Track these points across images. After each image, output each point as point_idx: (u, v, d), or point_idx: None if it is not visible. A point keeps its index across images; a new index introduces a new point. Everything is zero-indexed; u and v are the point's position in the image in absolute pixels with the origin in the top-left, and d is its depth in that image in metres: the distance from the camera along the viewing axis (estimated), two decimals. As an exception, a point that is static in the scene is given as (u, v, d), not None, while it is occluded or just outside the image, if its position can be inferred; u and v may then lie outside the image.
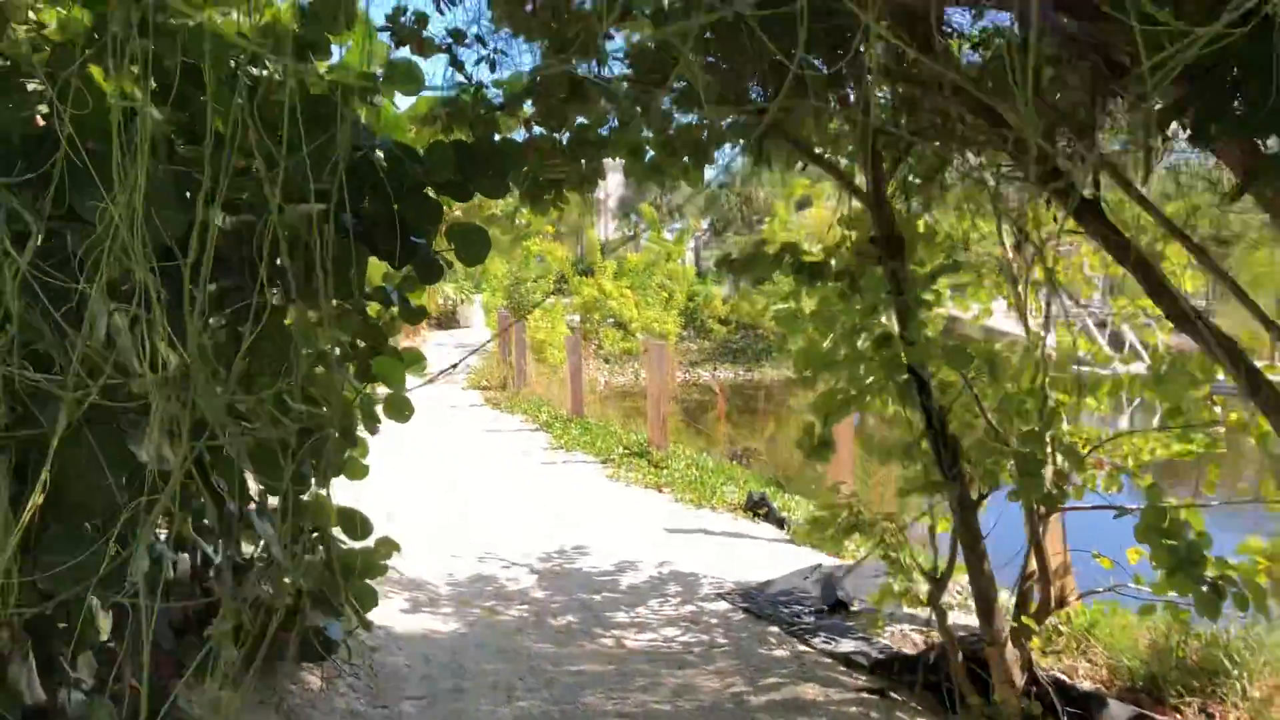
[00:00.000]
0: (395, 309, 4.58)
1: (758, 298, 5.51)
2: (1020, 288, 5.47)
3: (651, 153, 4.18)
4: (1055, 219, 5.08)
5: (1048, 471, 4.03)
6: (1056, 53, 2.77)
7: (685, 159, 4.14)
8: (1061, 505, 4.16)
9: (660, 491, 7.96)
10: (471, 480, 8.15)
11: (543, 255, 27.76)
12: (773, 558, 6.38)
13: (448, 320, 28.63)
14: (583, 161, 4.16)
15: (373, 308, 4.62)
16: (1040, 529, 4.44)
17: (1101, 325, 6.53)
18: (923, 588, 4.43)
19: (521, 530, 6.67)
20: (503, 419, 11.68)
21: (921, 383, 4.11)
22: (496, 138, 4.18)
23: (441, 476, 8.29)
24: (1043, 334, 4.74)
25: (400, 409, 4.60)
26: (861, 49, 3.36)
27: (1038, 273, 5.67)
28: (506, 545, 6.33)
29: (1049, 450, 4.04)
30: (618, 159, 4.40)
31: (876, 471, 8.30)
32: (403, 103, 4.17)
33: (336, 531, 3.61)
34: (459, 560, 6.00)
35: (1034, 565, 4.48)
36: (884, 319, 4.74)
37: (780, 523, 7.44)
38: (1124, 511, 3.88)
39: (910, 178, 4.27)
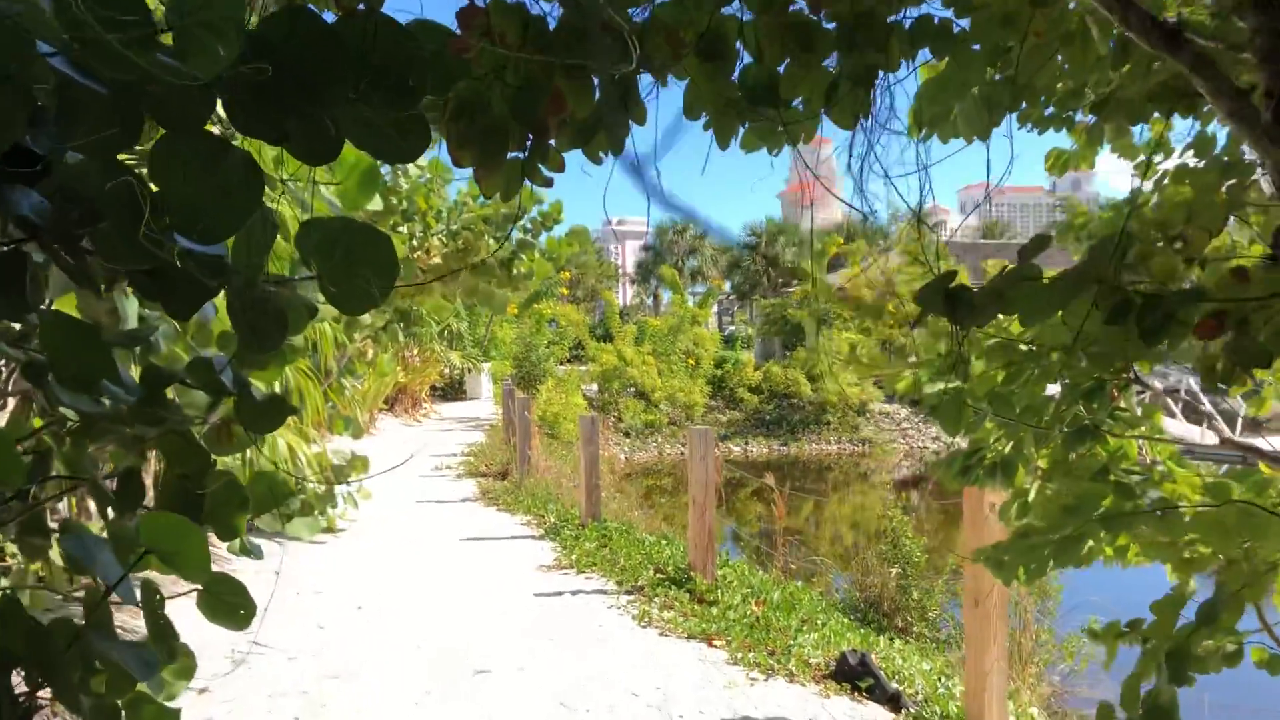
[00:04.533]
0: (231, 400, 2.29)
1: (903, 373, 3.14)
2: None
3: (749, 59, 1.88)
4: None
5: None
6: None
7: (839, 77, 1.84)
8: None
9: (711, 645, 5.53)
10: (431, 631, 5.74)
11: (556, 319, 25.63)
12: (904, 784, 3.94)
13: (453, 391, 26.38)
14: (592, 79, 1.84)
15: (191, 396, 2.35)
16: None
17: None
18: None
19: (504, 728, 4.27)
20: (497, 521, 9.26)
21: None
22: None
23: (387, 625, 5.90)
24: None
25: (229, 609, 2.20)
26: None
27: None
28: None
29: None
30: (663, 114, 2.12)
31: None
32: None
33: None
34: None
35: None
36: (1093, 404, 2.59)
37: (895, 701, 4.99)
38: None
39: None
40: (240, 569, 6.48)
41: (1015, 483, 3.16)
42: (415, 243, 7.52)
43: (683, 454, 24.05)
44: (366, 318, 6.94)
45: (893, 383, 3.36)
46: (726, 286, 50.33)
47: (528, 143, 1.77)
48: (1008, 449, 3.18)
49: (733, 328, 37.41)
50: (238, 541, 2.55)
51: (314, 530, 2.59)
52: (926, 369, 3.33)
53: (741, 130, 2.10)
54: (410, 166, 7.18)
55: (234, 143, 2.01)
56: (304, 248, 1.93)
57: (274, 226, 2.07)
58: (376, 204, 3.08)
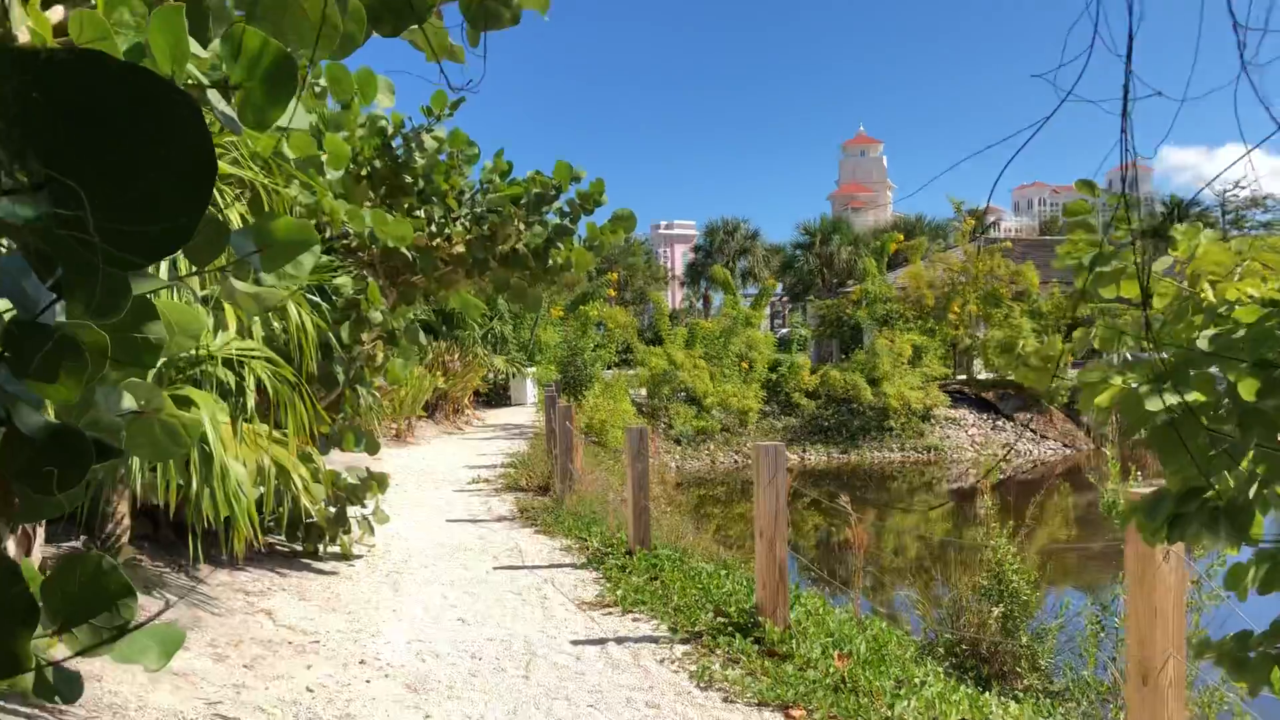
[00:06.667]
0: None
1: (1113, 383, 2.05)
2: None
3: None
4: None
5: None
6: None
7: None
8: None
9: (789, 716, 4.44)
10: (443, 695, 4.72)
11: (603, 321, 24.61)
12: None
13: (498, 397, 25.50)
14: None
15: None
16: None
17: None
18: None
19: None
20: (535, 545, 8.23)
21: None
22: None
23: (391, 686, 4.91)
24: None
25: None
26: None
27: None
28: None
29: None
30: None
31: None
32: None
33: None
34: None
35: None
36: None
37: (1028, 799, 3.87)
38: None
39: None
40: (232, 608, 5.54)
41: (1252, 537, 2.07)
42: (435, 229, 6.53)
43: (737, 463, 22.94)
44: (376, 314, 5.96)
45: (1091, 395, 2.27)
46: (779, 288, 48.98)
47: None
48: (1251, 491, 2.11)
49: (785, 330, 36.12)
50: (29, 678, 1.55)
51: (167, 652, 1.55)
52: (1140, 373, 2.26)
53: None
54: (427, 139, 6.20)
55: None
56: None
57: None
58: (300, 119, 2.03)
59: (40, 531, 3.88)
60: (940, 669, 6.00)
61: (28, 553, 3.85)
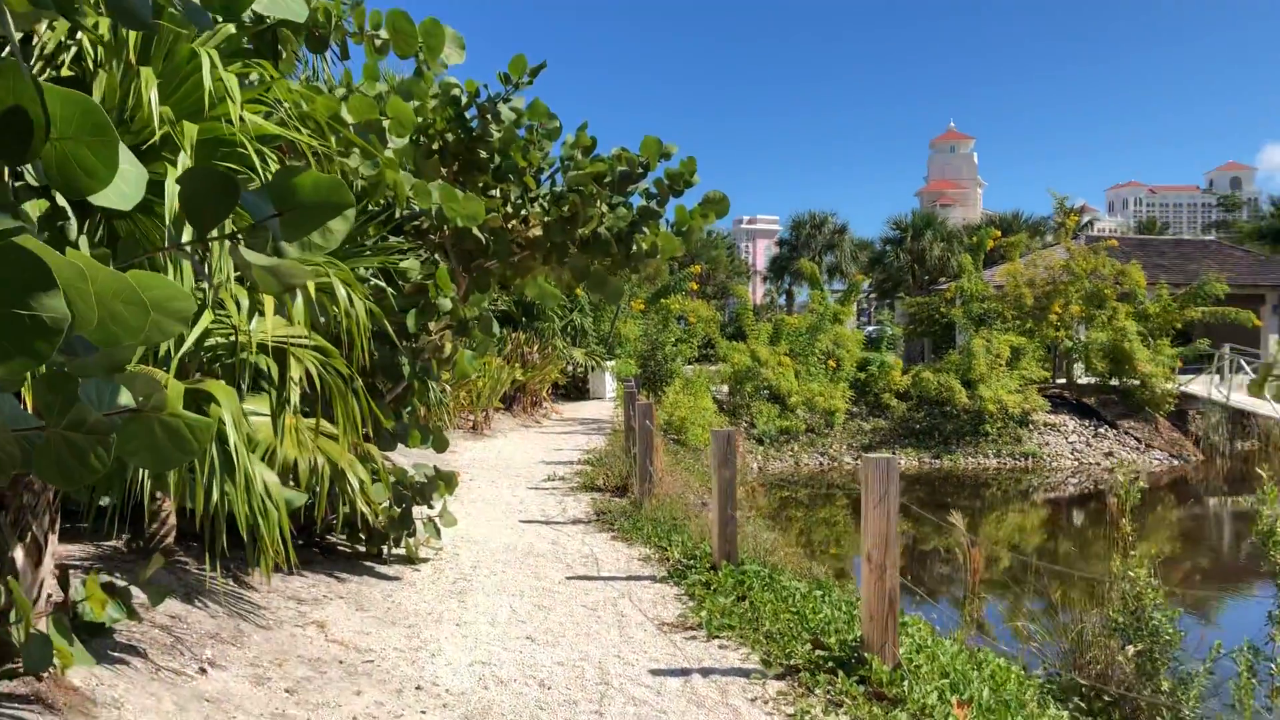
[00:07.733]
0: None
1: None
2: None
3: None
4: None
5: None
6: None
7: None
8: None
9: (903, 780, 3.80)
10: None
11: (685, 315, 23.99)
12: None
13: (576, 390, 25.06)
14: None
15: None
16: None
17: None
18: None
19: None
20: (611, 553, 7.66)
21: None
22: None
23: (445, 718, 4.38)
24: None
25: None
26: None
27: None
28: None
29: None
30: None
31: None
32: None
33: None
34: None
35: None
36: None
37: None
38: None
39: None
40: (281, 619, 5.08)
41: None
42: (511, 209, 5.99)
43: (822, 465, 22.08)
44: (445, 302, 5.45)
45: None
46: (866, 284, 47.69)
47: None
48: None
49: (873, 328, 35.01)
50: None
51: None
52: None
53: None
54: (504, 110, 5.67)
55: None
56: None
57: None
58: (291, 7, 1.47)
59: (53, 539, 3.43)
60: (1065, 714, 5.30)
61: (38, 562, 3.40)
